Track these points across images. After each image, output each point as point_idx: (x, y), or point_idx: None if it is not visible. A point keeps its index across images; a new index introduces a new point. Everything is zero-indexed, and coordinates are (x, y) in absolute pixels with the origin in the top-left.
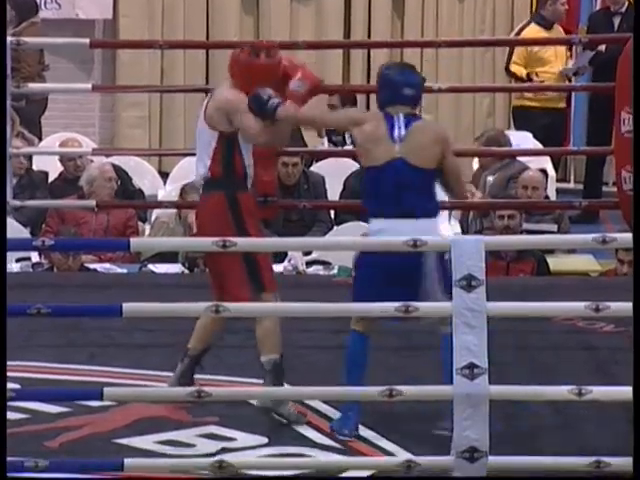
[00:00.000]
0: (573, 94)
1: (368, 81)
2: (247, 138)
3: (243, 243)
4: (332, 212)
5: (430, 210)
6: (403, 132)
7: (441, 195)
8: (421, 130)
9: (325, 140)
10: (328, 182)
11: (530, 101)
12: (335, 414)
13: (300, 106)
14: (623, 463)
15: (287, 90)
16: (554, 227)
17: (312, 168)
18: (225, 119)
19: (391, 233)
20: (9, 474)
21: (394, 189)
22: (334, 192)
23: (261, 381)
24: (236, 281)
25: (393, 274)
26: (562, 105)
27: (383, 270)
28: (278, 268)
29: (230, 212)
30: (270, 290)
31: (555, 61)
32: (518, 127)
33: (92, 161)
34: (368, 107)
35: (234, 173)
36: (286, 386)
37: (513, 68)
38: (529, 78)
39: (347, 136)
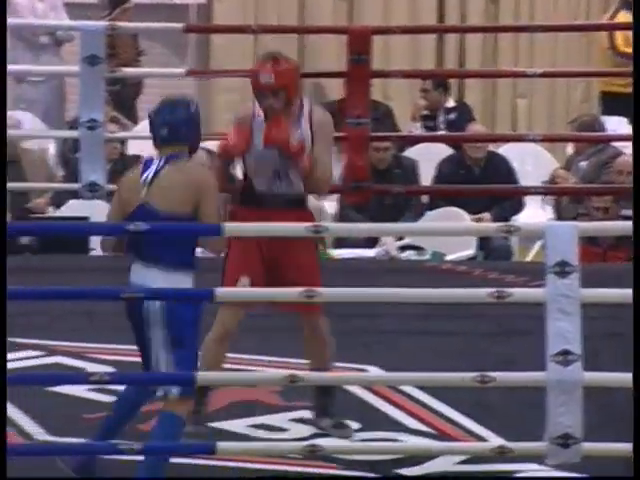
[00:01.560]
0: None
1: (461, 65)
2: (327, 174)
3: (334, 228)
4: (424, 197)
5: (174, 262)
6: (150, 175)
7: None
8: (171, 172)
9: (418, 124)
10: (421, 167)
11: (618, 87)
12: (428, 399)
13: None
14: None
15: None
16: None
17: (405, 153)
18: None
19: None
20: (104, 456)
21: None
22: (427, 177)
23: (356, 365)
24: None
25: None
26: None
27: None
28: (370, 253)
29: None
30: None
31: None
32: (606, 112)
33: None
34: (460, 93)
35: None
36: (379, 372)
37: (625, 49)
38: None
39: (441, 121)
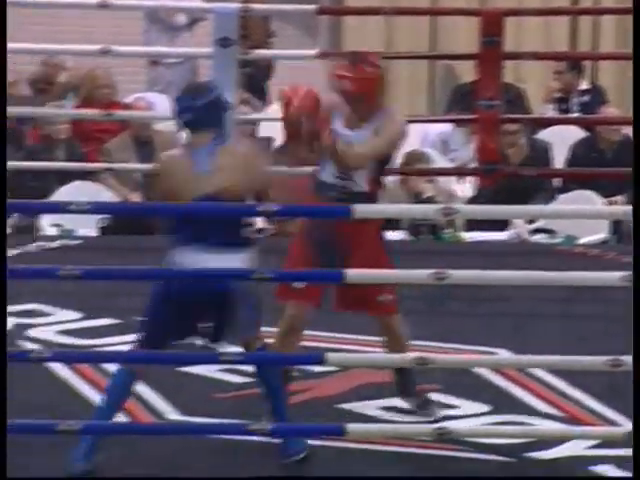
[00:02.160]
0: None
1: (595, 47)
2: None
3: (465, 210)
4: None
5: (242, 243)
6: (206, 165)
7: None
8: (225, 158)
9: (551, 107)
10: (553, 150)
11: None
12: (558, 383)
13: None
14: None
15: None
16: None
17: (537, 136)
18: None
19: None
20: (233, 436)
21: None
22: (560, 160)
23: (486, 348)
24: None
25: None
26: None
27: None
28: (502, 236)
29: None
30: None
31: None
32: None
33: None
34: (594, 75)
35: None
36: (508, 355)
37: None
38: None
39: (574, 103)
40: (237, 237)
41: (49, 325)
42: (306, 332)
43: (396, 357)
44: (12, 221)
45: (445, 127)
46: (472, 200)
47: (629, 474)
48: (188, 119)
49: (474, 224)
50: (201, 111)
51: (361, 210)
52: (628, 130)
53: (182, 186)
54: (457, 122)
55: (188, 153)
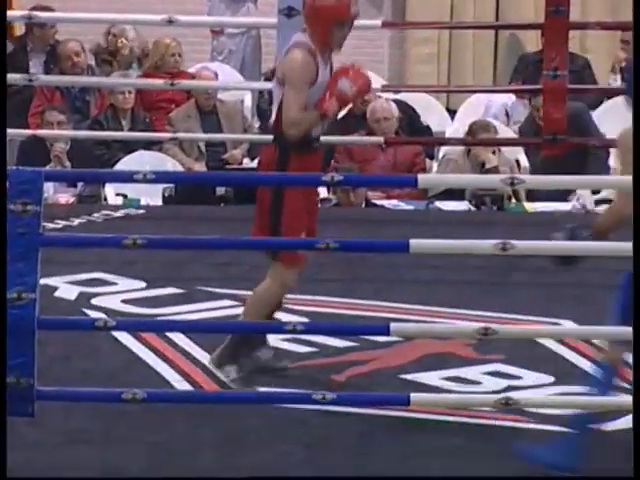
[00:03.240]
0: None
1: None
2: (283, 119)
3: (531, 180)
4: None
5: None
6: None
7: None
8: None
9: (618, 77)
10: (617, 119)
11: None
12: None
13: (341, 105)
14: None
15: (334, 88)
16: None
17: (603, 105)
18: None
19: None
20: (299, 405)
21: None
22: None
23: (551, 319)
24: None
25: None
26: None
27: None
28: (566, 207)
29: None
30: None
31: None
32: None
33: (380, 97)
34: None
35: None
36: (573, 325)
37: None
38: None
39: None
40: None
41: (113, 294)
42: (371, 302)
43: (459, 328)
44: (77, 190)
45: (509, 98)
46: (532, 171)
47: None
48: None
49: (535, 195)
50: None
51: (424, 180)
52: None
53: None
54: (522, 92)
55: None
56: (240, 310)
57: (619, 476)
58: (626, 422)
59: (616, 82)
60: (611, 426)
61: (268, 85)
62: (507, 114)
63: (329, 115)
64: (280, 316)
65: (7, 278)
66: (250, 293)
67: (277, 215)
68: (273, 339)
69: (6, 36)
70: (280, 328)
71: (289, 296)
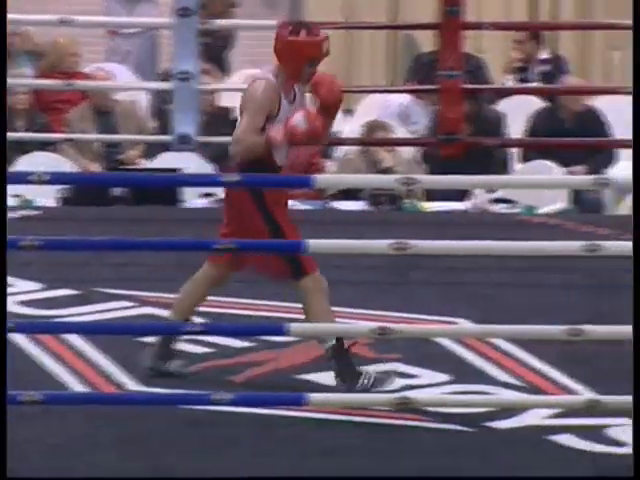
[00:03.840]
0: None
1: (555, 17)
2: (232, 136)
3: (426, 180)
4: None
5: None
6: None
7: None
8: None
9: (512, 77)
10: (513, 119)
11: None
12: (519, 352)
13: (289, 141)
14: None
15: (288, 119)
16: None
17: (498, 106)
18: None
19: None
20: (199, 406)
21: None
22: (519, 129)
23: (447, 318)
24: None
25: None
26: None
27: None
28: (462, 206)
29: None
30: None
31: None
32: None
33: None
34: (554, 44)
35: (262, 162)
36: (469, 324)
37: None
38: None
39: (533, 73)
40: None
41: (10, 296)
42: (269, 303)
43: (356, 328)
44: None
45: (405, 98)
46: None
47: (589, 443)
48: None
49: (433, 194)
50: None
51: (321, 180)
52: (589, 100)
53: None
54: (417, 92)
55: None
56: (136, 311)
57: (619, 476)
58: (520, 420)
59: (510, 82)
60: (506, 424)
61: (164, 85)
62: (405, 114)
63: (274, 143)
64: None
65: None
66: (144, 294)
67: (274, 224)
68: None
69: (6, 36)
70: (178, 329)
71: None
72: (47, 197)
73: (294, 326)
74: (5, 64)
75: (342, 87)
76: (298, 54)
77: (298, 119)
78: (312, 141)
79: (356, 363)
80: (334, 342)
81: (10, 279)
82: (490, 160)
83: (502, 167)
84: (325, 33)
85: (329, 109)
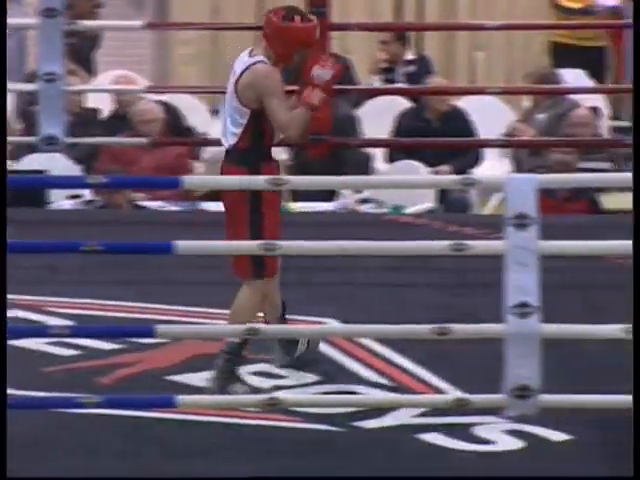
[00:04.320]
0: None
1: (420, 18)
2: (276, 127)
3: (294, 181)
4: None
5: None
6: None
7: None
8: None
9: (377, 77)
10: (379, 120)
11: (570, 39)
12: (388, 352)
13: (325, 94)
14: None
15: (312, 80)
16: (608, 165)
17: (364, 106)
18: (257, 98)
19: None
20: (63, 410)
21: None
22: (385, 130)
23: (316, 318)
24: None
25: None
26: (599, 44)
27: None
28: (329, 207)
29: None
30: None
31: None
32: (557, 64)
33: (144, 98)
34: (419, 45)
35: (261, 146)
36: (338, 324)
37: (566, 3)
38: (584, 11)
39: (400, 73)
40: None
41: None
42: (138, 304)
43: (225, 328)
44: None
45: None
46: (295, 170)
47: (456, 441)
48: None
49: (300, 195)
50: None
51: (190, 182)
52: (454, 100)
53: None
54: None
55: None
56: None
57: (619, 476)
58: (389, 419)
59: (376, 82)
60: (375, 423)
61: (29, 86)
62: None
63: (316, 106)
64: (45, 319)
65: None
66: (11, 296)
67: (258, 226)
68: (37, 343)
69: (6, 37)
70: (45, 331)
71: (53, 299)
72: None
73: (162, 328)
74: (5, 64)
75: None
76: (292, 39)
77: (320, 73)
78: (339, 78)
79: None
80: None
81: None
82: (351, 160)
83: (365, 168)
84: (307, 20)
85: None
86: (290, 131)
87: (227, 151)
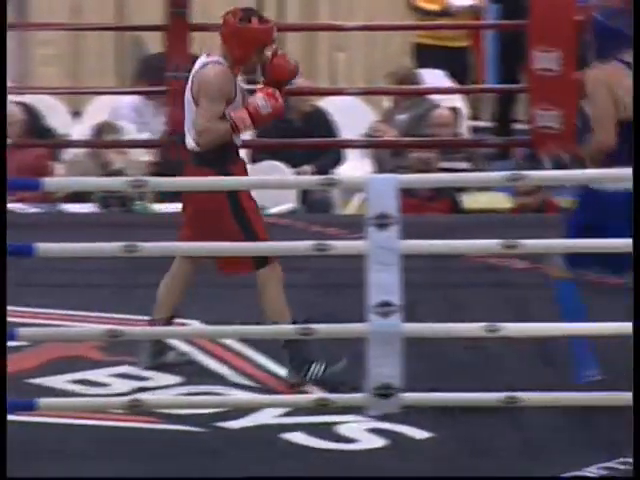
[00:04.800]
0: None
1: (281, 18)
2: (192, 127)
3: (155, 182)
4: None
5: None
6: None
7: None
8: None
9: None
10: None
11: (431, 39)
12: (251, 353)
13: (255, 124)
14: (536, 398)
15: (250, 101)
16: (468, 165)
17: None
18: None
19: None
20: None
21: None
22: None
23: (182, 320)
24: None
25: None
26: (462, 44)
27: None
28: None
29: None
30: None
31: None
32: (419, 65)
33: None
34: (280, 46)
35: (225, 147)
36: (200, 325)
37: (422, 4)
38: (442, 13)
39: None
40: None
41: None
42: None
43: (85, 331)
44: None
45: (135, 99)
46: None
47: (320, 440)
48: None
49: (165, 196)
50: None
51: (50, 183)
52: (316, 101)
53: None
54: (147, 94)
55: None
56: None
57: (620, 476)
58: (253, 419)
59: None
60: (238, 424)
61: None
62: (136, 115)
63: (240, 127)
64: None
65: None
66: None
67: (247, 225)
68: None
69: (6, 37)
70: None
71: None
72: None
73: (22, 331)
74: (5, 65)
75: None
76: (250, 41)
77: (261, 101)
78: (276, 118)
79: (88, 367)
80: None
81: None
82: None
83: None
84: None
85: (280, 83)
86: (201, 139)
87: (191, 152)
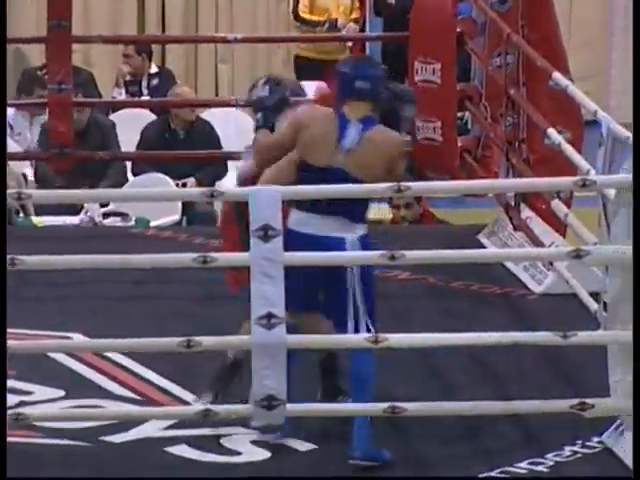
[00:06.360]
0: (368, 44)
1: (163, 31)
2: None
3: (38, 194)
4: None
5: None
6: (354, 142)
7: None
8: (372, 143)
9: (123, 90)
10: (125, 133)
11: (308, 51)
12: (135, 366)
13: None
14: (420, 408)
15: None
16: None
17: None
18: None
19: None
20: None
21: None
22: (131, 143)
23: (60, 333)
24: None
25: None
26: (341, 57)
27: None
28: (74, 220)
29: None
30: None
31: (336, 11)
32: (299, 77)
33: None
34: (163, 58)
35: None
36: (83, 339)
37: (304, 15)
38: (324, 23)
39: (144, 86)
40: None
41: None
42: None
43: None
44: None
45: (10, 111)
46: (40, 184)
47: (205, 453)
48: (364, 87)
49: (46, 209)
50: (375, 82)
51: None
52: (199, 112)
53: (320, 149)
54: (27, 106)
55: (336, 121)
56: None
57: (619, 476)
58: (137, 433)
59: (121, 95)
60: (121, 437)
61: None
62: (12, 127)
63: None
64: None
65: None
66: None
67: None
68: None
69: (6, 37)
70: None
71: None
72: None
73: None
74: (5, 66)
75: None
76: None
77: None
78: None
79: None
80: None
81: None
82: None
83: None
84: None
85: None
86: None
87: None
